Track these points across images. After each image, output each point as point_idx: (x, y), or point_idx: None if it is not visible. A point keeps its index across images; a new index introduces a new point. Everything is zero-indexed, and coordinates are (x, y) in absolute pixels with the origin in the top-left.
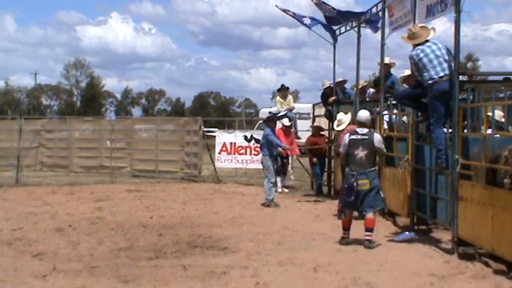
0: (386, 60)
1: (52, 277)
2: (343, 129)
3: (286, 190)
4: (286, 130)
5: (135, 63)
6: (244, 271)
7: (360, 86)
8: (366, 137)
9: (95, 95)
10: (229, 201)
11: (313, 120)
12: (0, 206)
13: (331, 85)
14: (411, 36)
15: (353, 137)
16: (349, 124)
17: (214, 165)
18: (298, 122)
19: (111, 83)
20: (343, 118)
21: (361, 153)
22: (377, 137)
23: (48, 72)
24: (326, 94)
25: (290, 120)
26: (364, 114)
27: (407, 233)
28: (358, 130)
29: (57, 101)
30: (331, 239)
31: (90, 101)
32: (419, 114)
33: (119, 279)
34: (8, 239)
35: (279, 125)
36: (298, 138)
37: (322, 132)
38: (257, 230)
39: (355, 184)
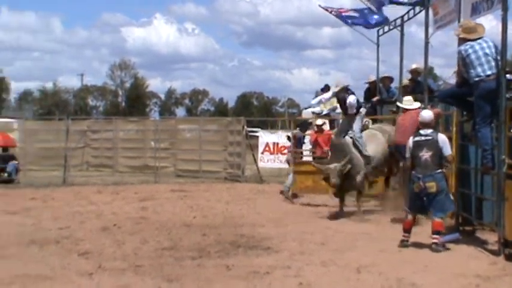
0: (414, 66)
1: (97, 275)
2: (413, 109)
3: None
4: (320, 130)
5: (178, 64)
6: (287, 271)
7: (403, 85)
8: (430, 137)
9: (139, 95)
10: (272, 201)
11: None
12: (48, 205)
13: (376, 81)
14: (467, 30)
15: (417, 138)
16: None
17: (257, 165)
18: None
19: (155, 84)
20: (412, 100)
21: (425, 154)
22: (441, 137)
23: (94, 73)
24: (370, 89)
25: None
26: (427, 114)
27: (452, 234)
28: (422, 131)
29: (102, 102)
30: (375, 239)
31: (134, 101)
32: (464, 113)
33: (163, 278)
34: (56, 238)
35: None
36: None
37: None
38: (300, 230)
39: (423, 187)
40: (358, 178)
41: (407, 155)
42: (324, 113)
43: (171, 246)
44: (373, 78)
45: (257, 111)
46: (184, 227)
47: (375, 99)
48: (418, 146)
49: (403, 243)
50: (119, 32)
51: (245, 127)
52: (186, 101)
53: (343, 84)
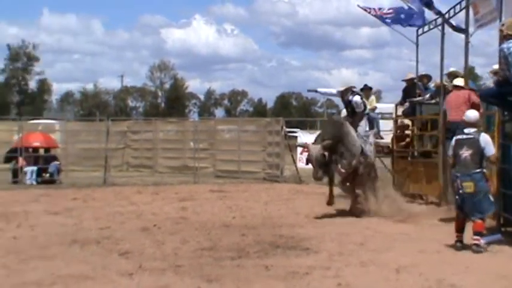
0: (451, 69)
1: (138, 275)
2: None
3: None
4: None
5: (217, 65)
6: (326, 272)
7: (437, 85)
8: (471, 136)
9: (179, 96)
10: (311, 201)
11: (396, 121)
12: (89, 205)
13: (414, 78)
14: (510, 28)
15: (459, 137)
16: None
17: (296, 166)
18: (381, 122)
19: (194, 85)
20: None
21: (465, 153)
22: (484, 137)
23: (134, 75)
24: (408, 87)
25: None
26: (473, 114)
27: (493, 235)
28: (466, 130)
29: (142, 103)
30: (414, 240)
31: (174, 102)
32: (506, 113)
33: (203, 278)
34: (97, 238)
35: None
36: (381, 138)
37: (407, 132)
38: (339, 231)
39: (459, 186)
40: (353, 162)
41: (450, 153)
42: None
43: (210, 246)
44: (410, 75)
45: (296, 111)
46: (224, 227)
47: (416, 99)
48: (459, 144)
49: (457, 244)
50: (159, 34)
51: (284, 127)
52: (225, 101)
53: (349, 85)
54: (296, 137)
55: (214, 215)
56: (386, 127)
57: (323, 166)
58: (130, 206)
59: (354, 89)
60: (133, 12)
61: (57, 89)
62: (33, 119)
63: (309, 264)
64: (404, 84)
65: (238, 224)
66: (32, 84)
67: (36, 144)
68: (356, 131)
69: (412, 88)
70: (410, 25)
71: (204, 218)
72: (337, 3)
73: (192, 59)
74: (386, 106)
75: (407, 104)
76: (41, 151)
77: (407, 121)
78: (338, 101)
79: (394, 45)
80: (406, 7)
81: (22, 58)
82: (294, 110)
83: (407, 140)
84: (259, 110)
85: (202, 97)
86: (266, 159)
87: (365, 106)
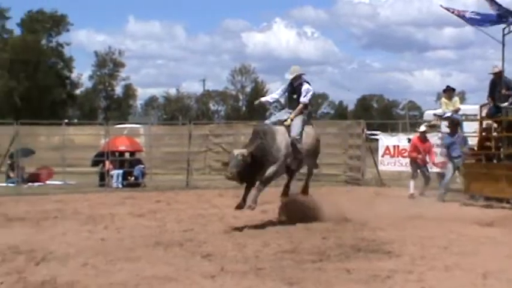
0: None
1: (220, 278)
2: None
3: (411, 192)
4: (422, 137)
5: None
6: (409, 275)
7: None
8: None
9: None
10: (392, 204)
11: (481, 122)
12: (172, 208)
13: (501, 71)
14: None
15: None
16: None
17: (377, 168)
18: (465, 124)
19: (275, 88)
20: None
21: None
22: None
23: (215, 79)
24: (495, 81)
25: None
26: None
27: None
28: None
29: (223, 106)
30: (500, 243)
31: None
32: None
33: (284, 281)
34: (180, 240)
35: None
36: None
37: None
38: (421, 234)
39: None
40: (271, 169)
41: None
42: (446, 115)
43: (291, 249)
44: (497, 69)
45: (377, 114)
46: (305, 230)
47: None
48: None
49: None
50: (240, 38)
51: (365, 130)
52: None
53: (298, 72)
54: (377, 139)
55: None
56: (470, 129)
57: (239, 167)
58: (212, 209)
59: (304, 77)
60: (215, 17)
61: (142, 94)
62: (119, 124)
63: (391, 267)
64: (491, 77)
65: (319, 227)
66: (118, 90)
67: (122, 148)
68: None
69: (499, 81)
70: (495, 23)
71: (285, 220)
72: (419, 4)
73: (273, 63)
74: (470, 108)
75: (490, 104)
76: (127, 155)
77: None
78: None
79: (479, 45)
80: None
81: (109, 64)
82: (375, 113)
83: (489, 143)
84: (340, 113)
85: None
86: (347, 161)
87: (310, 102)
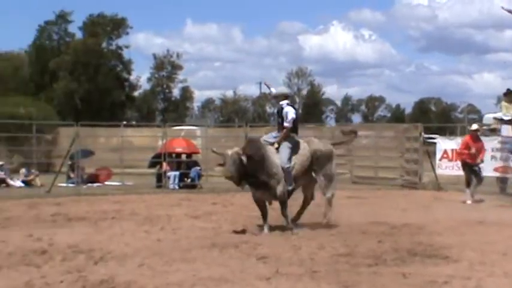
0: None
1: (275, 280)
2: None
3: (469, 202)
4: (474, 136)
5: (354, 70)
6: (467, 282)
7: None
8: None
9: (316, 102)
10: (450, 209)
11: None
12: (228, 210)
13: None
14: None
15: None
16: None
17: (435, 172)
18: None
19: (331, 91)
20: None
21: None
22: None
23: (272, 81)
24: None
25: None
26: None
27: None
28: None
29: None
30: None
31: (311, 108)
32: None
33: (339, 284)
34: (235, 242)
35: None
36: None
37: None
38: (480, 239)
39: None
40: (279, 188)
41: None
42: (508, 118)
43: (346, 252)
44: None
45: (435, 117)
46: (360, 234)
47: None
48: None
49: None
50: (297, 40)
51: (422, 133)
52: (362, 107)
53: (283, 92)
54: (435, 143)
55: (351, 221)
56: None
57: (236, 165)
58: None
59: (287, 99)
60: (271, 20)
61: (199, 96)
62: (176, 125)
63: (448, 273)
64: None
65: (375, 231)
66: (176, 92)
67: (179, 149)
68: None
69: None
70: None
71: (341, 224)
72: (479, 6)
73: (329, 65)
74: None
75: None
76: (183, 156)
77: None
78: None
79: None
80: None
81: (167, 67)
82: (433, 116)
83: None
84: (397, 116)
85: (339, 103)
86: (404, 165)
87: (295, 127)
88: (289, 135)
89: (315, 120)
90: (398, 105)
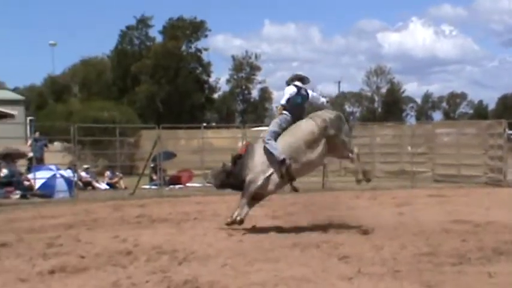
0: None
1: (357, 280)
2: None
3: None
4: None
5: (435, 67)
6: None
7: None
8: None
9: (395, 100)
10: None
11: None
12: (308, 210)
13: None
14: None
15: None
16: None
17: None
18: None
19: (411, 88)
20: None
21: None
22: None
23: (351, 80)
24: None
25: None
26: None
27: None
28: None
29: (359, 108)
30: None
31: (390, 106)
32: None
33: (422, 284)
34: (317, 242)
35: None
36: None
37: None
38: None
39: None
40: (250, 175)
41: None
42: None
43: (429, 251)
44: None
45: None
46: (443, 233)
47: None
48: None
49: None
50: (375, 38)
51: (506, 130)
52: (443, 104)
53: (297, 74)
54: None
55: (433, 220)
56: None
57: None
58: (348, 211)
59: (301, 81)
60: (349, 18)
61: (277, 96)
62: (255, 126)
63: None
64: None
65: (458, 230)
66: (254, 93)
67: None
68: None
69: None
70: None
71: (423, 223)
72: None
73: (409, 63)
74: None
75: None
76: None
77: None
78: None
79: None
80: None
81: (245, 68)
82: None
83: None
84: (480, 112)
85: (419, 100)
86: (488, 162)
87: (296, 109)
88: (282, 113)
89: (395, 119)
90: (480, 102)
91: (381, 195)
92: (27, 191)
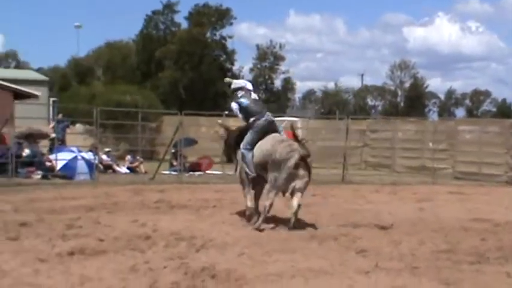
0: None
1: (374, 274)
2: None
3: None
4: None
5: (460, 63)
6: None
7: None
8: None
9: (419, 95)
10: None
11: None
12: (327, 202)
13: None
14: None
15: None
16: None
17: None
18: None
19: (435, 84)
20: None
21: None
22: None
23: (374, 74)
24: None
25: None
26: None
27: None
28: None
29: (381, 102)
30: None
31: (413, 101)
32: None
33: (440, 281)
34: (335, 235)
35: None
36: None
37: None
38: None
39: None
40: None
41: None
42: None
43: (448, 249)
44: None
45: None
46: (462, 231)
47: None
48: None
49: None
50: (401, 32)
51: None
52: (467, 101)
53: (237, 85)
54: None
55: (453, 217)
56: None
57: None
58: (368, 205)
59: (242, 90)
60: (375, 11)
61: (300, 87)
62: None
63: None
64: None
65: (478, 228)
66: (277, 83)
67: None
68: None
69: None
70: None
71: (442, 219)
72: None
73: (434, 58)
74: None
75: None
76: None
77: None
78: None
79: None
80: None
81: (269, 58)
82: None
83: None
84: (503, 111)
85: (442, 96)
86: (509, 161)
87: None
88: (249, 125)
89: (417, 114)
90: (504, 100)
91: (401, 190)
92: (49, 172)
